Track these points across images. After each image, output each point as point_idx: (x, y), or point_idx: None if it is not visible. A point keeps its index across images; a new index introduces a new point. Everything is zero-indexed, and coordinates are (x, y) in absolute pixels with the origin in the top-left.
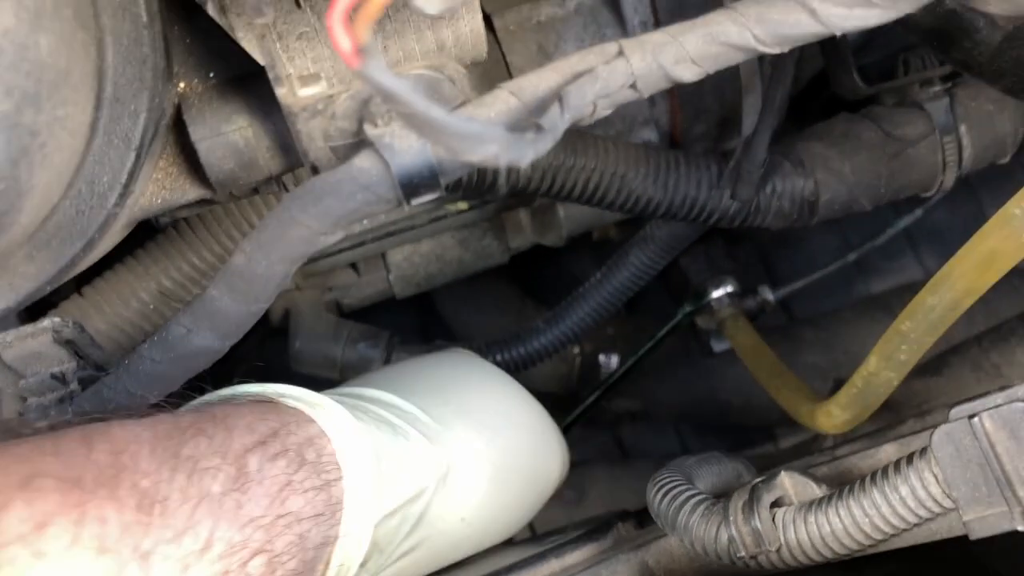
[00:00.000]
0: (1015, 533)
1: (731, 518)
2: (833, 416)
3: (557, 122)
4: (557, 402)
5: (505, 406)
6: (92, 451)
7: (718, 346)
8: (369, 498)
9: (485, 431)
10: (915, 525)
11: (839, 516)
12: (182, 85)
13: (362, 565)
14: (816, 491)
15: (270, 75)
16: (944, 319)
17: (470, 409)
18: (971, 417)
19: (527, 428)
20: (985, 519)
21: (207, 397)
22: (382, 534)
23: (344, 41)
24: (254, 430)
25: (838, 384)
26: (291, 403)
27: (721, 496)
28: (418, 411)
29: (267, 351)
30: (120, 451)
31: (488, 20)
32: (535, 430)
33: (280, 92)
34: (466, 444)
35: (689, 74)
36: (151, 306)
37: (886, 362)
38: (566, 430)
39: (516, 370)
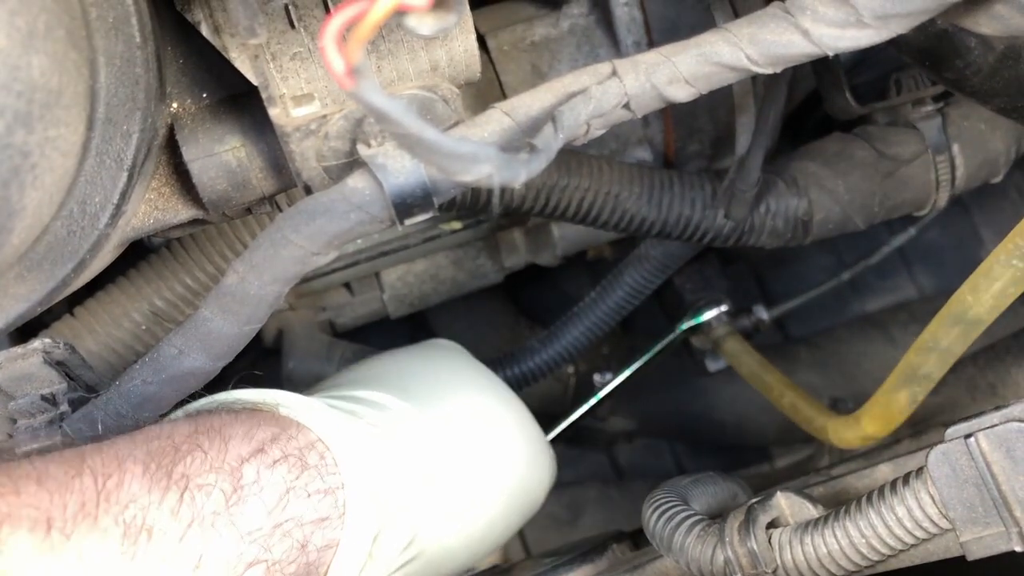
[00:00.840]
0: (1012, 553)
1: (727, 539)
2: (856, 430)
3: (551, 142)
4: (552, 422)
5: (490, 408)
6: (80, 475)
7: (713, 365)
8: (372, 503)
9: (471, 436)
10: (912, 546)
11: (835, 537)
12: (175, 105)
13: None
14: (812, 511)
15: (263, 95)
16: (973, 329)
17: (456, 410)
18: (967, 437)
19: (513, 430)
20: (982, 540)
21: (205, 403)
22: (378, 545)
23: (337, 62)
24: (252, 437)
25: (834, 403)
26: (285, 412)
27: (717, 517)
28: (409, 409)
29: (260, 371)
30: (109, 473)
31: (482, 40)
32: (519, 427)
33: (273, 112)
34: (455, 450)
35: (682, 94)
36: (143, 327)
37: (911, 376)
38: (553, 443)
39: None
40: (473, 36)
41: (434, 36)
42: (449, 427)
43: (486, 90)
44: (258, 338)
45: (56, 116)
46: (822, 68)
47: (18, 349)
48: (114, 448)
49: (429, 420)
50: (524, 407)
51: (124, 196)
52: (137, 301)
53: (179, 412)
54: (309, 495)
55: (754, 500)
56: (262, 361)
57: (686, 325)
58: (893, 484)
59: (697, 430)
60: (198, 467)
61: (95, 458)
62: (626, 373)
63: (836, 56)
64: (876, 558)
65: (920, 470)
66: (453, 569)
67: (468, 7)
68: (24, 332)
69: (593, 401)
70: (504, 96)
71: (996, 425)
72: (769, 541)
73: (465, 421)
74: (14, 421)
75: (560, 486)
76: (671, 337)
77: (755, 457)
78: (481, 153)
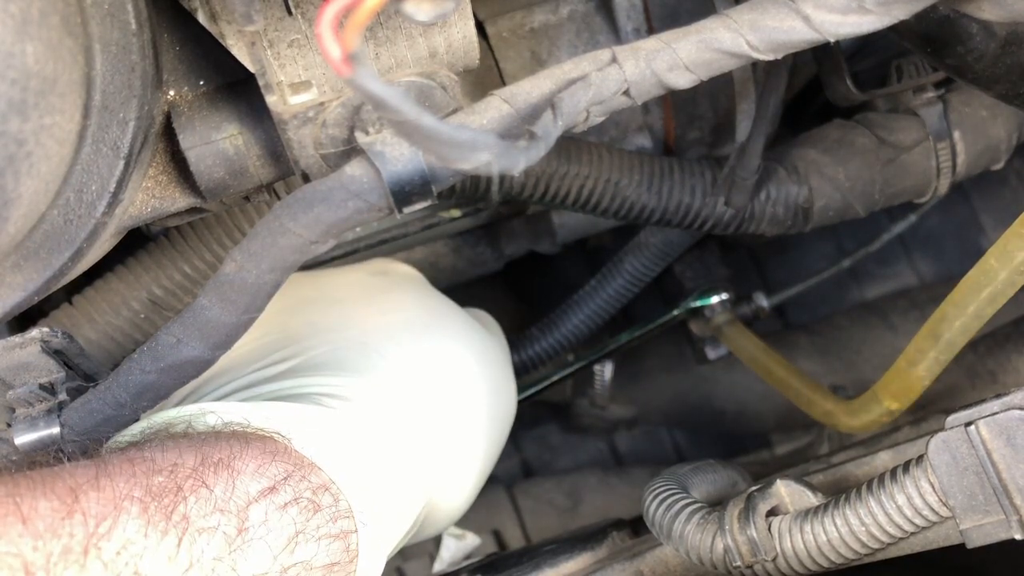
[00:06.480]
0: (1012, 541)
1: (727, 527)
2: (862, 414)
3: (550, 129)
4: (551, 409)
5: (454, 355)
6: (71, 517)
7: (713, 353)
8: (386, 544)
9: (443, 393)
10: (911, 534)
11: (835, 525)
12: (172, 93)
13: None
14: (812, 499)
15: (260, 83)
16: (980, 316)
17: (425, 370)
18: (967, 425)
19: (475, 371)
20: (982, 527)
21: (212, 420)
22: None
23: (333, 48)
24: (263, 474)
25: (834, 390)
26: (300, 447)
27: (716, 504)
28: (390, 389)
29: None
30: (104, 515)
31: (481, 27)
32: (480, 366)
33: (270, 100)
34: (437, 415)
35: (683, 81)
36: (142, 315)
37: (919, 359)
38: (553, 429)
39: None
40: (472, 23)
41: (432, 22)
42: (423, 396)
43: (485, 77)
44: None
45: (51, 104)
46: (823, 54)
47: (16, 338)
48: (112, 485)
49: (406, 395)
50: (481, 333)
51: (121, 184)
52: (136, 290)
53: (183, 412)
54: (319, 539)
55: (754, 488)
56: None
57: (692, 305)
58: (893, 472)
59: (697, 417)
60: (202, 507)
61: (89, 496)
62: (623, 339)
63: (837, 42)
64: (876, 546)
65: (920, 458)
66: (450, 520)
67: None
68: (23, 321)
69: (600, 355)
70: (503, 83)
71: (997, 413)
72: (769, 529)
73: (436, 380)
74: (12, 410)
75: (560, 473)
76: (674, 313)
77: (755, 444)
78: (480, 141)
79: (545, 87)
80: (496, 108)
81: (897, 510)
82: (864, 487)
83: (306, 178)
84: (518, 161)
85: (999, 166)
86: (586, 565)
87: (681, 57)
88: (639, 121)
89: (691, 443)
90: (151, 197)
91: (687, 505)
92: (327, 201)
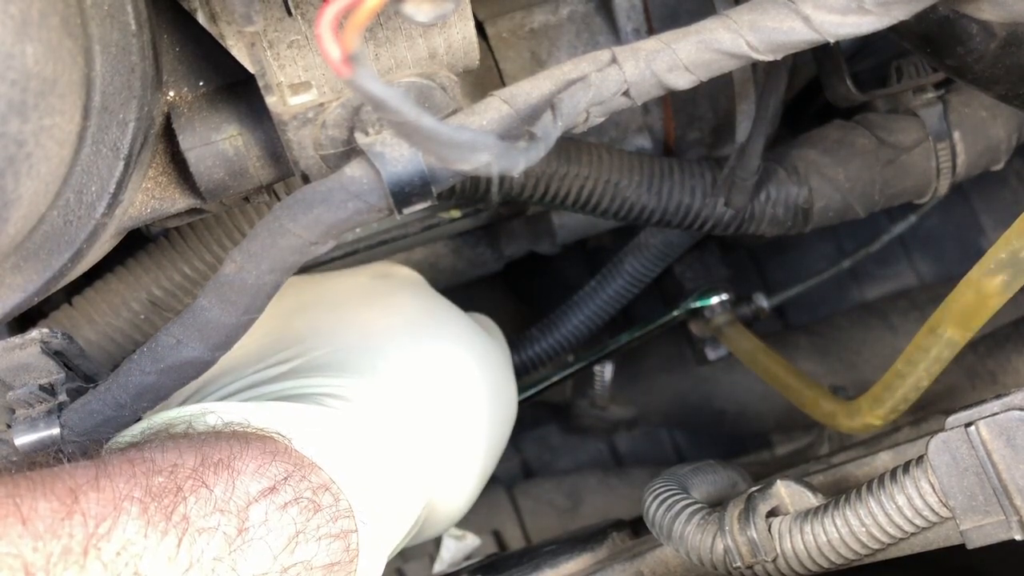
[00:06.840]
0: (1012, 541)
1: (727, 528)
2: (865, 414)
3: (550, 130)
4: (551, 410)
5: (456, 359)
6: (71, 517)
7: (713, 354)
8: (386, 544)
9: (446, 398)
10: (912, 534)
11: (835, 526)
12: (172, 94)
13: None
14: (812, 500)
15: (260, 84)
16: (977, 315)
17: (425, 373)
18: (967, 425)
19: (476, 375)
20: (982, 528)
21: (213, 420)
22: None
23: (333, 49)
24: (263, 474)
25: (834, 390)
26: (300, 447)
27: (716, 505)
28: (391, 390)
29: None
30: (103, 516)
31: (481, 27)
32: (481, 370)
33: (270, 101)
34: (438, 418)
35: (683, 81)
36: (142, 316)
37: (920, 357)
38: (552, 430)
39: None
40: (471, 23)
41: (432, 23)
42: (424, 399)
43: (485, 78)
44: None
45: (51, 104)
46: (823, 55)
47: (16, 339)
48: (112, 486)
49: (405, 397)
50: (482, 336)
51: (121, 185)
52: (136, 290)
53: (183, 412)
54: (319, 539)
55: (754, 488)
56: None
57: (692, 305)
58: (893, 472)
59: (697, 418)
60: (202, 507)
61: (89, 497)
62: (623, 340)
63: (837, 43)
64: (876, 546)
65: (920, 458)
66: (451, 521)
67: None
68: (23, 321)
69: (600, 355)
70: (503, 84)
71: (997, 414)
72: (769, 530)
73: (438, 384)
74: (12, 411)
75: (560, 474)
76: (674, 314)
77: (755, 445)
78: (479, 141)
79: (545, 88)
80: (496, 109)
81: (897, 511)
82: (864, 488)
83: (306, 179)
84: (518, 162)
85: (999, 167)
86: (586, 566)
87: (681, 58)
88: (639, 122)
89: (691, 444)
90: (151, 198)
91: (687, 506)
92: (327, 202)
